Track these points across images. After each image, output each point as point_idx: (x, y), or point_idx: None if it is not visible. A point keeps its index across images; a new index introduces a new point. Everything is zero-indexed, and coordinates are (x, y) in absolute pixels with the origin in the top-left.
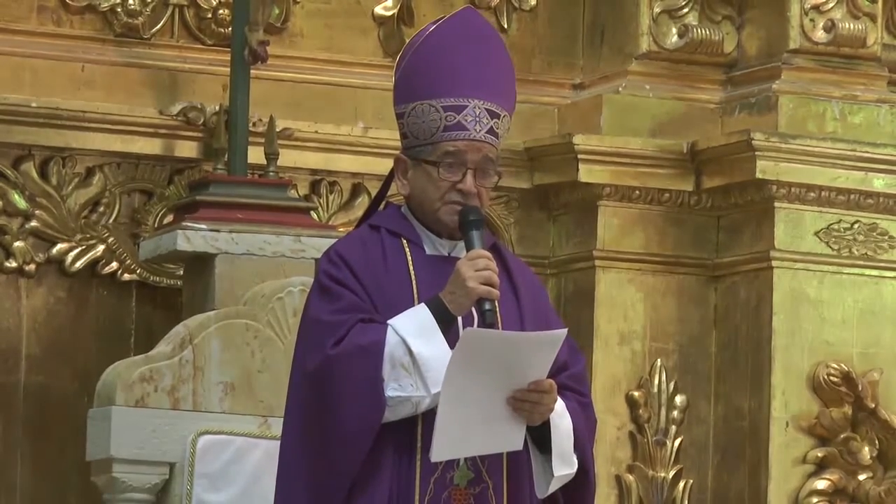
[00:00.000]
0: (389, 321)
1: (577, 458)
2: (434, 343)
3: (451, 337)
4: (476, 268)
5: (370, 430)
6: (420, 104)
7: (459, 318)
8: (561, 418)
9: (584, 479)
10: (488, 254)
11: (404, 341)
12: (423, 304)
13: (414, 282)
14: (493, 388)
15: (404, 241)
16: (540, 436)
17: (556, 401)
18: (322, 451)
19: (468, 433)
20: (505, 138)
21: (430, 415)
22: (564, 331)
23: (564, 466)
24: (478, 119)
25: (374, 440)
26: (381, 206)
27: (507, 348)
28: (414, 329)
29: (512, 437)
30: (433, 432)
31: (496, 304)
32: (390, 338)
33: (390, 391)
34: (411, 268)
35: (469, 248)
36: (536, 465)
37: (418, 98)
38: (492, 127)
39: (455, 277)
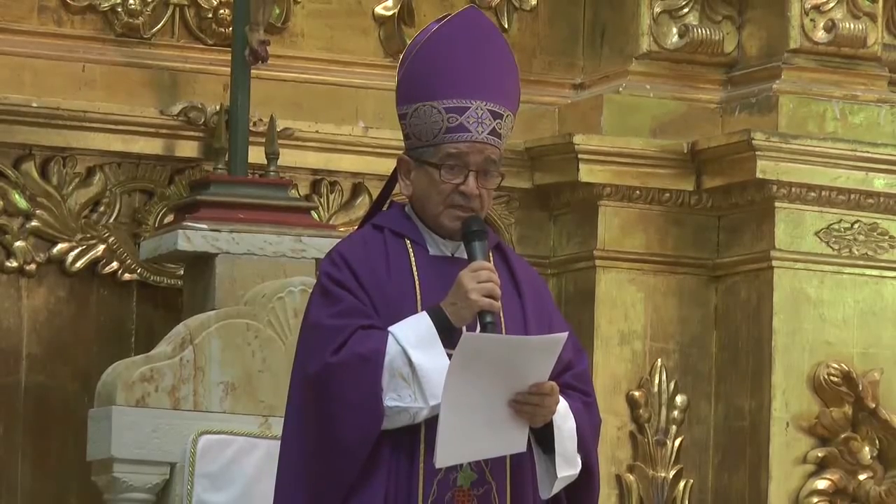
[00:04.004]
0: (390, 328)
1: (581, 459)
2: (434, 354)
3: (455, 340)
4: (478, 280)
5: (368, 440)
6: (422, 105)
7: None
8: (564, 419)
9: (587, 480)
10: (490, 266)
11: (405, 351)
12: (424, 313)
13: (417, 282)
14: (495, 392)
15: (407, 241)
16: (543, 436)
17: (557, 403)
18: (320, 456)
19: (471, 437)
20: (509, 137)
21: (432, 417)
22: (565, 334)
23: (568, 467)
24: (480, 120)
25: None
26: (386, 206)
27: (506, 351)
28: (415, 339)
29: (515, 440)
30: (436, 439)
31: (501, 313)
32: (391, 347)
33: (388, 401)
34: (414, 268)
35: (471, 259)
36: (540, 466)
37: (420, 99)
38: (494, 128)
39: (457, 289)
